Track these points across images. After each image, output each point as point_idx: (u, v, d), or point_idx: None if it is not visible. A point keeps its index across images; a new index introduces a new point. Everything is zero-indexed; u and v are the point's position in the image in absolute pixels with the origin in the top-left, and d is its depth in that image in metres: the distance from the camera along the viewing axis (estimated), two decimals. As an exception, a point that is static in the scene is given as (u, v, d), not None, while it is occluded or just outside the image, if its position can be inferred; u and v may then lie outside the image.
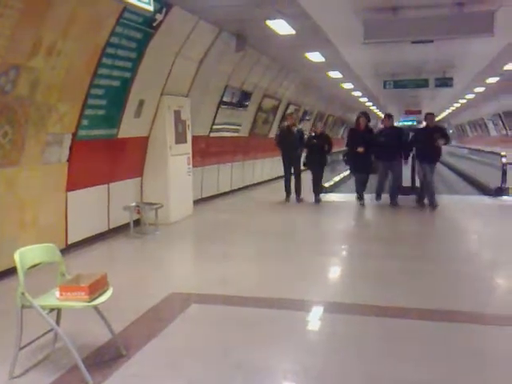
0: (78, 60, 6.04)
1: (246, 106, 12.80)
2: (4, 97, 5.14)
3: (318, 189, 11.10)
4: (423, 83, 15.33)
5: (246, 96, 12.50)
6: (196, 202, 10.07)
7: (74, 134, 6.45)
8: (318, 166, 10.97)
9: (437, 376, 3.31)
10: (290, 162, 11.14)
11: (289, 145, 10.98)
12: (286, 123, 11.73)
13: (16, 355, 3.28)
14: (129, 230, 7.63)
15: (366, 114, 10.74)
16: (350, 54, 11.99)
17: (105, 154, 7.35)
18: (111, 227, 7.66)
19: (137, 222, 7.93)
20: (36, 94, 5.55)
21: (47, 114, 5.84)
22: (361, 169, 10.52)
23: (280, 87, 14.67)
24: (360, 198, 10.64)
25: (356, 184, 10.80)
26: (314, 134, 11.40)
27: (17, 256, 3.23)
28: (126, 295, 4.73)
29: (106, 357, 3.58)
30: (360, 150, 10.10)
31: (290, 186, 11.26)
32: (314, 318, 4.55)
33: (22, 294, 3.21)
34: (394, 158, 10.18)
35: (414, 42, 9.01)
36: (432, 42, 8.95)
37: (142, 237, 7.70)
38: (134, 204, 7.86)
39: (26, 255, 3.32)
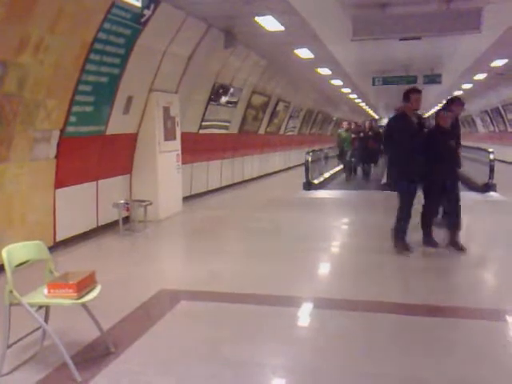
0: (66, 56, 6.00)
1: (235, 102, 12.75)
2: (-9, 93, 5.11)
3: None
4: (412, 80, 15.38)
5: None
6: (185, 199, 10.06)
7: (62, 131, 6.41)
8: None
9: (427, 372, 3.32)
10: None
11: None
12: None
13: (4, 353, 3.27)
14: (118, 228, 7.61)
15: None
16: (338, 51, 12.00)
17: (93, 151, 7.31)
18: (100, 224, 7.64)
19: (126, 220, 7.91)
20: (24, 91, 5.51)
21: (35, 111, 5.80)
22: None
23: (269, 84, 14.67)
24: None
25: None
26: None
27: (4, 253, 3.21)
28: (115, 292, 4.71)
29: (95, 354, 3.57)
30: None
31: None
32: (304, 314, 4.57)
33: (10, 291, 3.20)
34: None
35: (401, 39, 9.05)
36: (420, 39, 8.99)
37: (131, 234, 7.68)
38: (122, 201, 7.84)
39: (14, 253, 3.30)
